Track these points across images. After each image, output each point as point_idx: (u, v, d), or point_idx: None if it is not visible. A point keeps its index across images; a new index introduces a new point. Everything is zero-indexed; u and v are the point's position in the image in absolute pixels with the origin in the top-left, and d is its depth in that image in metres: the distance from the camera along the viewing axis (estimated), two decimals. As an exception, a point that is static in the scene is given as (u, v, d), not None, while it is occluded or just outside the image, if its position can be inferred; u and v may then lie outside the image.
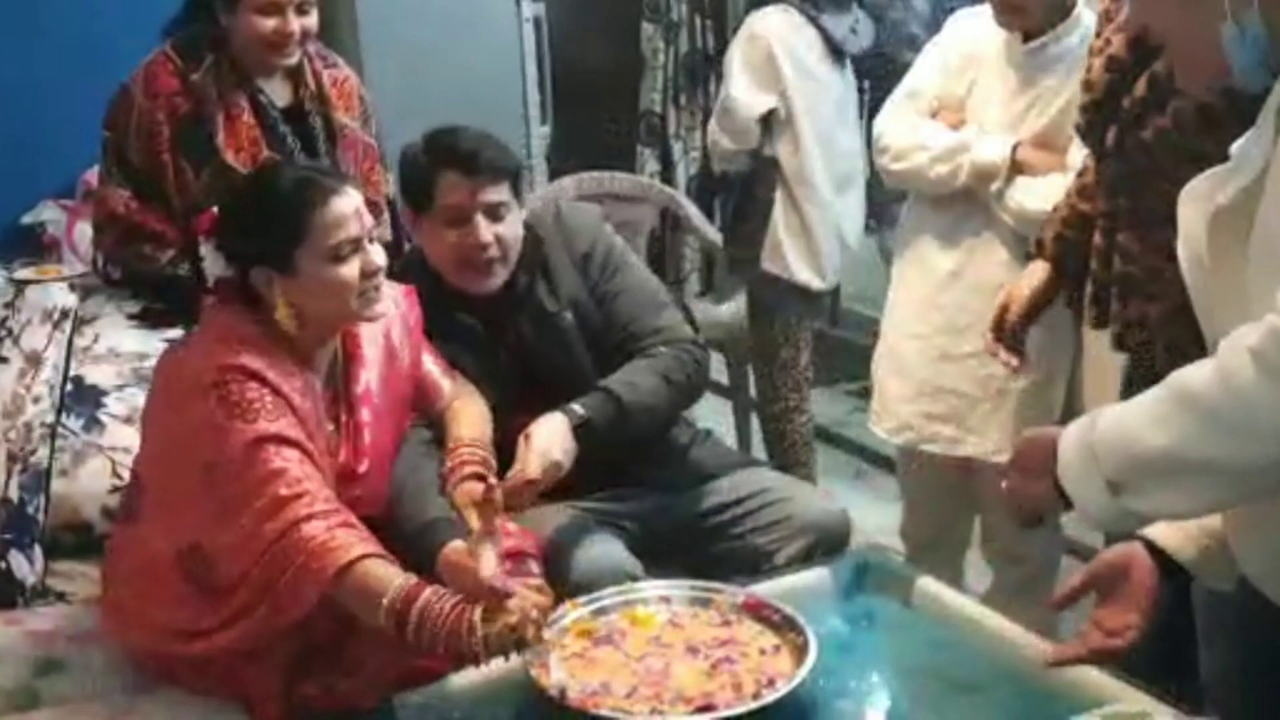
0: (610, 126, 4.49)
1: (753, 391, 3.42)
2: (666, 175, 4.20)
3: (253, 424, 1.65)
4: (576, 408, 1.96)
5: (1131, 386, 1.91)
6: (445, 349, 2.07)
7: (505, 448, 1.92)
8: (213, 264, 1.78)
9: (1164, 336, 1.73)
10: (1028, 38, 2.22)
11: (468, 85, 4.15)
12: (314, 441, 1.73)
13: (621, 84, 4.47)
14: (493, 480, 1.75)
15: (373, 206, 2.38)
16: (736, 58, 3.04)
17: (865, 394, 3.43)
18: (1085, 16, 2.20)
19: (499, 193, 2.05)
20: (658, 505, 2.13)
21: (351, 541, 1.61)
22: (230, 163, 2.25)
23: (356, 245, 1.75)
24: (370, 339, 1.89)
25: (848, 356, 3.55)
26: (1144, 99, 1.70)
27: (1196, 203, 1.26)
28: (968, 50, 2.32)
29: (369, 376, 1.87)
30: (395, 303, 1.94)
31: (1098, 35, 1.84)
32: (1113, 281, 1.78)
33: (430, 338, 2.04)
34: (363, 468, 1.83)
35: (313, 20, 2.30)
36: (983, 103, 2.30)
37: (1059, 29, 2.19)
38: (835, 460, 3.75)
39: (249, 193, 1.85)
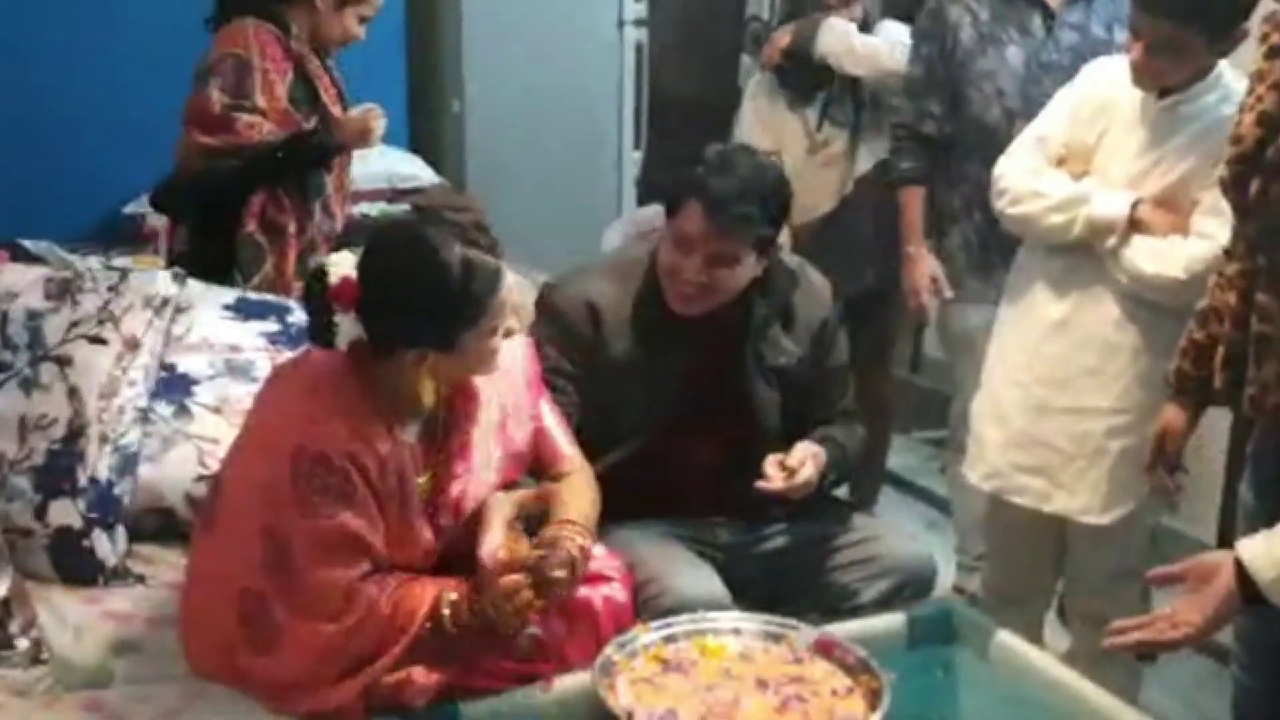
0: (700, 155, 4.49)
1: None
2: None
3: (317, 518, 1.62)
4: (825, 452, 2.05)
5: (1243, 450, 1.88)
6: (633, 344, 2.05)
7: (649, 466, 1.99)
8: (349, 330, 1.70)
9: None
10: (1163, 94, 2.16)
11: (566, 105, 4.20)
12: (395, 497, 1.69)
13: (716, 114, 4.47)
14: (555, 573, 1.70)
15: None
16: None
17: (943, 443, 3.40)
18: (1226, 76, 2.14)
19: (732, 245, 1.98)
20: (745, 537, 2.13)
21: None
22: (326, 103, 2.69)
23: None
24: (485, 401, 1.81)
25: (927, 404, 3.49)
26: None
27: None
28: (1102, 100, 2.25)
29: (478, 434, 1.80)
30: (514, 358, 1.86)
31: (1249, 94, 1.76)
32: (1249, 342, 1.73)
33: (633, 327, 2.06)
34: (444, 519, 1.78)
35: None
36: (1109, 155, 2.23)
37: (1196, 87, 2.12)
38: (909, 508, 3.69)
39: (411, 277, 1.64)
